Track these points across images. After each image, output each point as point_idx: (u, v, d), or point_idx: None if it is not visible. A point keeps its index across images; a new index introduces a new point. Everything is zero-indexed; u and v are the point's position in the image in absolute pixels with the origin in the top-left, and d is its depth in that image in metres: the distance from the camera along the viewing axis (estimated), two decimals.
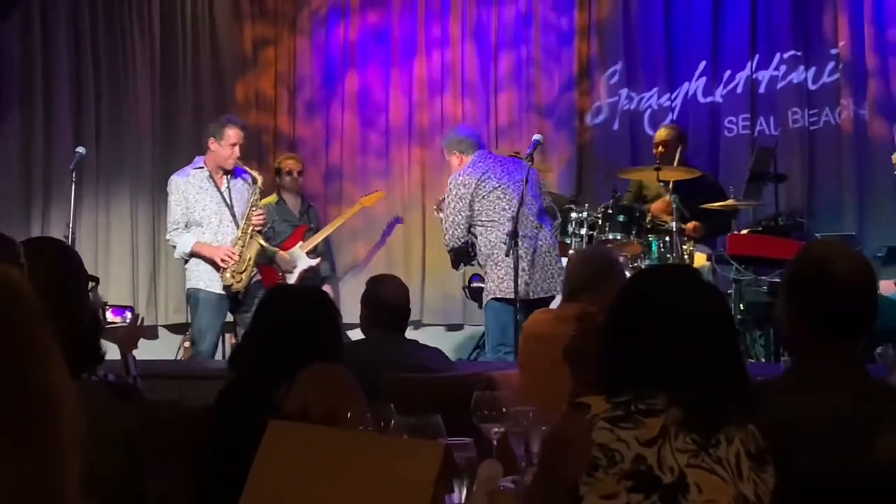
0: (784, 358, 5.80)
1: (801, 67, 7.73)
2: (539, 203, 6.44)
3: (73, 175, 6.63)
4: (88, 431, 1.13)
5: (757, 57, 7.85)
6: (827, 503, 2.12)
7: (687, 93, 8.00)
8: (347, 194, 8.36)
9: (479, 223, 6.31)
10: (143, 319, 6.30)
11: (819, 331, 2.35)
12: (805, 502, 2.10)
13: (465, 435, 2.38)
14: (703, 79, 7.96)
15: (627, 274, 4.56)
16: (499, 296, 6.19)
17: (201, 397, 3.11)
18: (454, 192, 6.35)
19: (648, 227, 6.63)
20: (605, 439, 1.96)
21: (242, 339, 3.39)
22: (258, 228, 6.53)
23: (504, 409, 2.52)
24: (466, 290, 7.52)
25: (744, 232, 6.87)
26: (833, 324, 2.34)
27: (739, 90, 7.88)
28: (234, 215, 6.51)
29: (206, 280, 6.42)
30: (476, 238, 6.36)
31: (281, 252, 7.09)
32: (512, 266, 6.02)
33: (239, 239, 6.44)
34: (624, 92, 8.12)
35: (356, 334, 5.43)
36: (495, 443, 2.50)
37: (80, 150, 6.82)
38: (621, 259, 5.82)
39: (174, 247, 6.54)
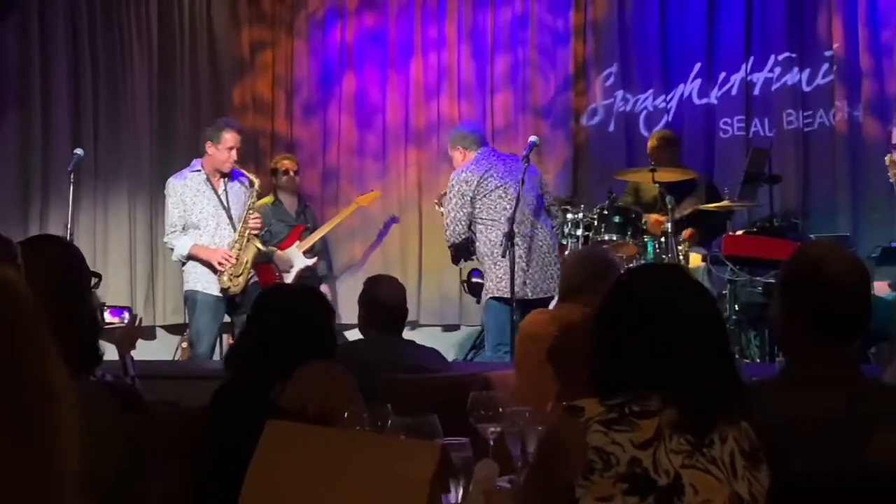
0: (779, 358, 5.81)
1: (796, 69, 7.74)
2: (539, 203, 6.45)
3: (72, 176, 6.64)
4: (87, 432, 1.14)
5: (751, 59, 7.86)
6: (822, 503, 2.13)
7: (682, 94, 8.02)
8: (344, 195, 8.37)
9: (480, 221, 6.33)
10: (140, 320, 6.28)
11: (814, 331, 2.35)
12: (800, 503, 2.11)
13: (462, 435, 2.39)
14: (698, 80, 7.97)
15: None
16: (497, 295, 6.21)
17: (199, 398, 3.11)
18: (456, 189, 6.37)
19: (644, 228, 6.65)
20: (599, 442, 1.96)
21: (238, 339, 3.39)
22: (255, 232, 6.54)
23: (500, 409, 2.53)
24: (465, 285, 7.51)
25: (739, 233, 6.88)
26: (827, 324, 2.35)
27: (734, 92, 7.89)
28: (231, 218, 6.52)
29: (203, 282, 6.43)
30: (476, 236, 6.38)
31: (278, 252, 7.10)
32: (509, 265, 6.05)
33: (236, 242, 6.45)
34: (619, 94, 8.14)
35: (353, 334, 5.43)
36: (492, 443, 2.51)
37: (79, 151, 6.83)
38: (617, 260, 5.83)
39: (172, 249, 6.56)
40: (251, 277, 6.52)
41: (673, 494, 1.95)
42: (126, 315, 6.80)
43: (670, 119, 7.98)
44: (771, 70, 7.79)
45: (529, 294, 6.24)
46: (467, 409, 2.54)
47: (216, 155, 6.49)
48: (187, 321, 7.09)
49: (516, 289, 6.14)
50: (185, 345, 7.50)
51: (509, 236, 6.03)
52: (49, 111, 8.10)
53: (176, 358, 7.70)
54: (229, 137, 6.50)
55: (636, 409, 1.99)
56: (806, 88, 7.75)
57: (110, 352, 3.29)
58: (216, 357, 6.52)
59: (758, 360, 6.47)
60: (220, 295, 6.43)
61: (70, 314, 2.31)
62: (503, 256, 6.08)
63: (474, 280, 7.17)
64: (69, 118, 8.12)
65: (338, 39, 8.63)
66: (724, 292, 6.68)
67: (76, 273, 2.45)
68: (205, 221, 6.48)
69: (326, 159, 8.57)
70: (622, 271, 3.44)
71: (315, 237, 7.36)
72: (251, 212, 6.52)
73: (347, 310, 7.44)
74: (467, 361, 7.22)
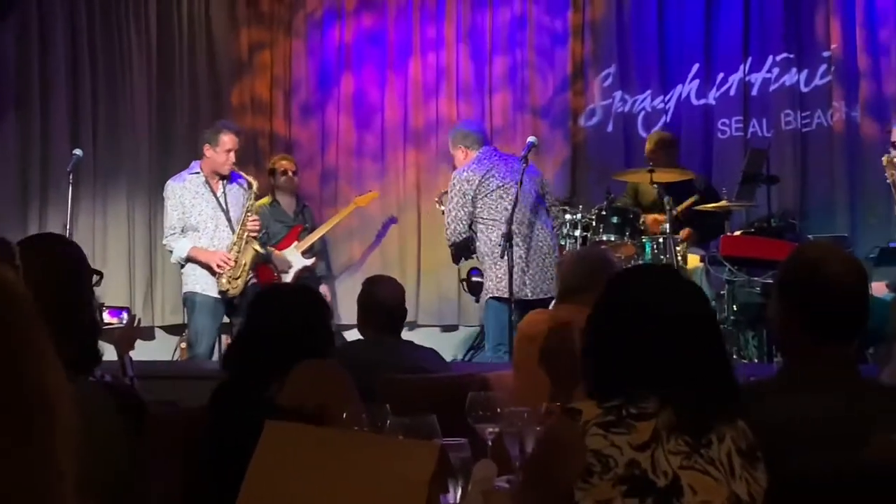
0: (777, 359, 5.82)
1: (794, 70, 7.75)
2: (540, 203, 6.46)
3: (70, 177, 6.65)
4: (86, 432, 1.14)
5: (749, 59, 7.87)
6: (820, 503, 2.14)
7: (680, 95, 8.02)
8: (343, 196, 8.37)
9: (481, 220, 6.33)
10: (139, 321, 6.28)
11: (811, 332, 2.35)
12: (798, 502, 2.11)
13: (460, 435, 2.39)
14: (697, 81, 7.98)
15: None
16: (497, 295, 6.22)
17: (198, 398, 3.12)
18: (458, 188, 6.38)
19: (642, 228, 6.65)
20: (598, 445, 1.96)
21: (234, 339, 3.39)
22: (253, 234, 6.54)
23: (499, 410, 2.53)
24: (464, 284, 7.51)
25: (737, 233, 6.89)
26: (825, 325, 2.35)
27: (732, 92, 7.90)
28: (229, 220, 6.52)
29: (202, 284, 6.44)
30: (476, 235, 6.39)
31: (276, 252, 7.10)
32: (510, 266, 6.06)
33: (234, 244, 6.46)
34: (618, 94, 8.14)
35: (352, 334, 5.44)
36: (490, 443, 2.51)
37: (77, 152, 6.84)
38: (615, 260, 5.83)
39: (171, 252, 6.57)
40: (250, 279, 6.52)
41: (672, 495, 1.95)
42: (125, 315, 6.81)
43: (668, 120, 7.99)
44: (769, 71, 7.80)
45: (529, 294, 6.24)
46: (466, 409, 2.54)
47: (214, 157, 6.50)
48: (186, 322, 7.09)
49: (516, 289, 6.15)
50: (183, 345, 7.51)
51: (507, 237, 6.04)
52: (48, 112, 8.11)
53: (174, 358, 7.70)
54: (227, 140, 6.50)
55: (633, 412, 1.99)
56: (804, 89, 7.76)
57: (109, 352, 3.30)
58: (215, 358, 6.53)
59: (756, 361, 6.47)
60: (218, 296, 6.44)
61: (71, 313, 2.31)
62: (501, 257, 6.09)
63: (474, 279, 7.17)
64: (68, 119, 8.13)
65: (336, 40, 8.63)
66: (722, 293, 6.69)
67: (77, 271, 2.44)
68: (204, 224, 6.48)
69: (325, 160, 8.57)
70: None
71: (313, 237, 7.36)
72: (249, 214, 6.53)
73: (346, 310, 7.45)
74: (466, 362, 7.23)
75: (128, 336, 4.38)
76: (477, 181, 6.33)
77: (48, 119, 8.09)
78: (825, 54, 7.67)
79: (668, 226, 6.44)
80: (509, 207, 6.16)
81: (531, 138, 6.56)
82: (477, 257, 6.58)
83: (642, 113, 8.11)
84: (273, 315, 3.07)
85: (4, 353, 1.05)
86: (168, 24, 8.43)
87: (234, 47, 8.63)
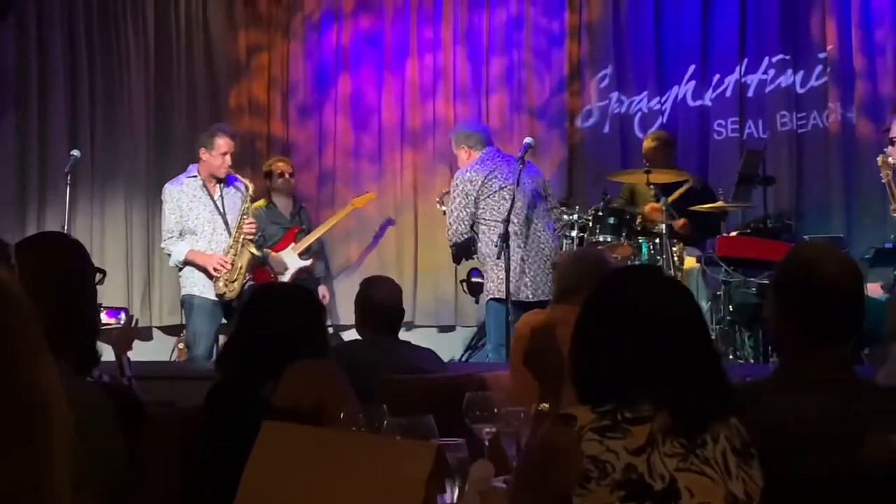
0: (773, 359, 5.83)
1: (790, 71, 7.77)
2: (542, 205, 6.47)
3: (68, 178, 6.66)
4: (84, 433, 1.14)
5: (746, 61, 7.88)
6: (815, 503, 2.14)
7: (676, 96, 8.04)
8: (340, 197, 8.38)
9: (483, 221, 6.34)
10: (137, 321, 6.29)
11: (807, 332, 2.35)
12: (794, 503, 2.11)
13: (457, 435, 2.39)
14: (693, 82, 7.99)
15: None
16: (499, 296, 6.22)
17: (196, 398, 3.11)
18: (460, 188, 6.38)
19: (638, 229, 6.66)
20: (594, 451, 1.96)
21: (228, 340, 3.39)
22: (250, 237, 6.54)
23: (495, 410, 2.53)
24: (464, 285, 7.52)
25: (733, 234, 6.90)
26: (821, 325, 2.34)
27: (728, 94, 7.91)
28: (227, 223, 6.52)
29: (200, 286, 6.44)
30: (478, 236, 6.40)
31: (273, 254, 7.10)
32: (513, 267, 6.07)
33: (231, 248, 6.46)
34: (614, 95, 8.16)
35: (350, 335, 5.44)
36: (487, 443, 2.51)
37: (75, 153, 6.85)
38: (612, 261, 5.84)
39: (169, 255, 6.57)
40: (247, 282, 6.52)
41: (669, 499, 1.95)
42: (122, 316, 6.81)
43: (665, 121, 8.00)
44: (765, 72, 7.82)
45: (530, 296, 6.26)
46: (463, 409, 2.55)
47: (210, 161, 6.51)
48: (184, 323, 7.09)
49: (517, 291, 6.17)
50: (181, 345, 7.51)
51: (504, 237, 6.05)
52: (46, 113, 8.11)
53: (172, 359, 7.71)
54: (222, 143, 6.51)
55: (628, 416, 1.98)
56: (800, 90, 7.77)
57: (107, 353, 3.30)
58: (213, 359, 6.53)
59: (752, 361, 6.48)
60: (216, 299, 6.44)
61: (71, 313, 2.31)
62: (498, 257, 6.10)
63: (474, 280, 7.18)
64: (66, 120, 8.13)
65: (334, 41, 8.64)
66: (718, 293, 6.71)
67: (78, 270, 2.44)
68: (201, 227, 6.49)
69: (322, 161, 8.58)
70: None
71: (310, 239, 7.36)
72: (245, 217, 6.53)
73: (344, 311, 7.46)
74: (463, 362, 7.24)
75: (125, 336, 4.38)
76: (480, 182, 6.34)
77: (46, 120, 8.09)
78: (821, 55, 7.69)
79: (664, 226, 6.45)
80: (514, 209, 6.18)
81: (528, 139, 6.57)
82: (478, 258, 6.58)
83: (639, 114, 8.13)
84: (267, 315, 3.06)
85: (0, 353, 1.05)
86: (166, 25, 8.43)
87: (232, 49, 8.64)
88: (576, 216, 6.67)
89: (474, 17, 8.48)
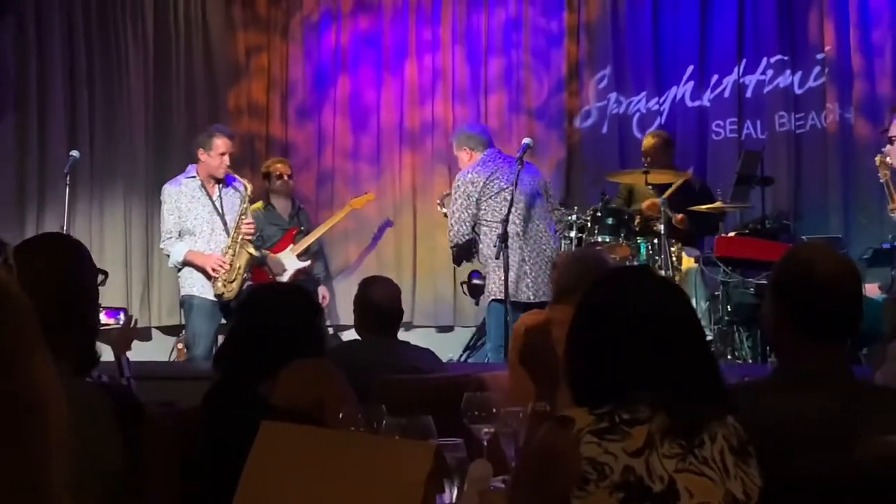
0: (771, 359, 5.83)
1: (788, 72, 7.78)
2: (544, 206, 6.48)
3: (67, 178, 6.66)
4: (83, 433, 1.14)
5: (744, 61, 7.89)
6: (812, 503, 2.15)
7: (675, 97, 8.05)
8: (339, 198, 8.38)
9: (485, 223, 6.35)
10: (136, 321, 6.29)
11: (805, 332, 2.35)
12: (792, 503, 2.11)
13: (456, 435, 2.39)
14: (691, 83, 8.00)
15: None
16: (499, 297, 6.23)
17: (195, 398, 3.12)
18: (462, 190, 6.39)
19: (637, 229, 6.67)
20: (593, 453, 1.95)
21: (225, 340, 3.39)
22: (248, 237, 6.54)
23: (494, 410, 2.54)
24: (465, 287, 7.53)
25: (731, 234, 6.92)
26: (819, 326, 2.35)
27: (727, 94, 7.92)
28: (225, 224, 6.52)
29: (199, 286, 6.44)
30: (479, 238, 6.41)
31: (271, 255, 7.11)
32: (513, 267, 6.08)
33: (229, 248, 6.46)
34: (613, 96, 8.17)
35: (349, 335, 5.45)
36: (485, 443, 2.51)
37: (74, 153, 6.84)
38: (611, 261, 5.85)
39: (168, 256, 6.57)
40: (245, 282, 6.52)
41: (668, 500, 1.94)
42: (121, 316, 6.81)
43: (663, 121, 8.01)
44: (763, 72, 7.83)
45: (532, 297, 6.26)
46: (461, 409, 2.55)
47: (209, 161, 6.51)
48: (183, 324, 7.10)
49: (519, 291, 6.18)
50: (180, 346, 7.51)
51: (503, 237, 6.06)
52: (45, 113, 8.10)
53: (171, 359, 7.71)
54: (220, 143, 6.51)
55: (626, 417, 1.98)
56: (798, 91, 7.78)
57: (106, 353, 3.30)
58: None
59: (750, 361, 6.49)
60: (215, 299, 6.44)
61: (71, 313, 2.31)
62: (496, 258, 6.11)
63: (475, 282, 7.19)
64: (65, 121, 8.12)
65: (332, 42, 8.65)
66: (716, 293, 6.72)
67: (80, 271, 2.44)
68: (200, 227, 6.48)
69: (321, 162, 8.58)
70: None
71: (309, 240, 7.36)
72: (243, 217, 6.53)
73: (343, 311, 7.47)
74: (461, 363, 7.24)
75: (125, 337, 4.39)
76: (481, 183, 6.35)
77: (45, 121, 8.08)
78: (819, 56, 7.70)
79: (663, 226, 6.46)
80: (514, 210, 6.19)
81: (526, 140, 6.57)
82: (479, 259, 6.59)
83: (637, 114, 8.13)
84: (263, 314, 3.06)
85: None
86: (165, 26, 8.43)
87: (231, 50, 8.64)
88: (574, 216, 6.68)
89: (473, 18, 8.49)
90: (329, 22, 8.66)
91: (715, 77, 7.93)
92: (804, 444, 2.19)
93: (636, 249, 6.58)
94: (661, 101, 8.07)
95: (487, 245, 6.36)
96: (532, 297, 6.25)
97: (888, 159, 6.18)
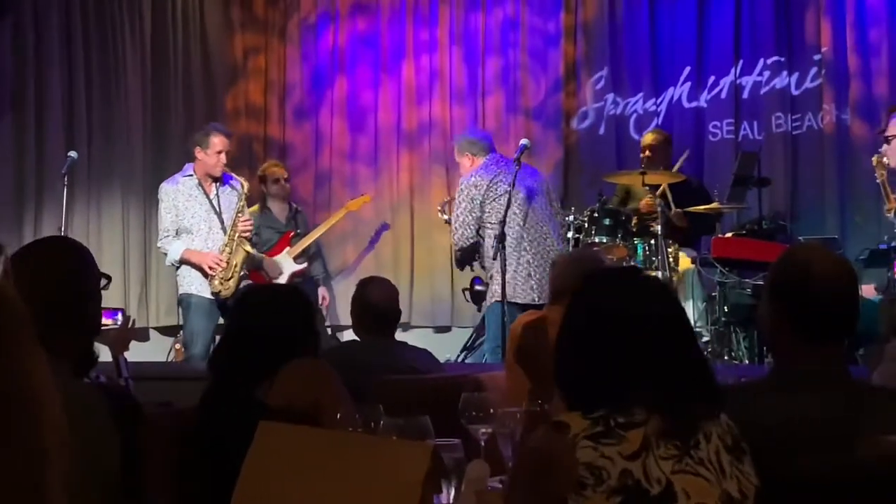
0: (767, 360, 5.84)
1: (785, 73, 7.79)
2: (548, 209, 6.49)
3: (65, 179, 6.67)
4: (80, 434, 1.15)
5: (741, 62, 7.90)
6: (809, 503, 2.15)
7: (672, 98, 8.06)
8: (337, 199, 8.38)
9: (489, 225, 6.36)
10: (134, 321, 6.30)
11: (802, 333, 2.35)
12: (789, 503, 2.12)
13: (454, 436, 2.40)
14: (688, 84, 8.01)
15: None
16: (501, 298, 6.23)
17: (193, 399, 3.12)
18: (465, 193, 6.41)
19: (634, 230, 6.68)
20: (589, 458, 1.94)
21: (220, 340, 3.38)
22: (245, 235, 6.55)
23: (491, 411, 2.54)
24: (467, 293, 7.53)
25: (728, 235, 6.92)
26: (815, 326, 2.34)
27: (724, 95, 7.93)
28: (223, 222, 6.52)
29: (197, 285, 6.44)
30: (483, 240, 6.42)
31: (267, 258, 7.11)
32: (517, 270, 6.09)
33: (226, 246, 6.46)
34: (610, 97, 8.17)
35: (347, 335, 5.45)
36: (483, 443, 2.52)
37: (72, 154, 6.85)
38: (608, 261, 5.85)
39: (165, 254, 6.57)
40: (242, 281, 6.52)
41: (666, 502, 1.94)
42: (119, 317, 6.81)
43: (660, 122, 8.02)
44: (760, 74, 7.84)
45: (536, 299, 6.26)
46: (459, 410, 2.55)
47: (205, 159, 6.50)
48: (181, 323, 7.10)
49: (522, 293, 6.19)
50: (178, 346, 7.51)
51: (500, 238, 6.06)
52: (43, 114, 8.10)
53: (169, 359, 7.71)
54: (217, 141, 6.50)
55: (621, 421, 1.97)
56: (794, 92, 7.79)
57: (104, 353, 3.30)
58: None
59: (746, 362, 6.49)
60: (213, 298, 6.45)
61: (71, 314, 2.31)
62: (494, 258, 6.12)
63: (477, 288, 7.19)
64: (63, 121, 8.13)
65: (330, 43, 8.65)
66: (713, 294, 6.72)
67: (79, 272, 2.44)
68: (197, 226, 6.48)
69: (319, 163, 8.58)
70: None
71: (305, 242, 7.36)
72: (240, 215, 6.53)
73: (342, 312, 7.47)
74: (459, 363, 7.25)
75: (122, 337, 4.39)
76: (485, 186, 6.36)
77: (43, 121, 8.09)
78: (816, 57, 7.71)
79: (660, 227, 6.46)
80: (518, 213, 6.21)
81: (524, 140, 6.57)
82: (483, 262, 6.59)
83: (634, 115, 8.14)
84: (258, 315, 3.06)
85: None
86: (163, 27, 8.44)
87: (229, 51, 8.65)
88: (571, 217, 6.68)
89: (470, 19, 8.50)
90: (326, 23, 8.67)
91: (712, 78, 7.94)
92: (801, 444, 2.19)
93: (633, 250, 6.59)
94: (658, 102, 8.08)
95: (490, 247, 6.37)
96: (537, 299, 6.25)
97: (885, 160, 6.18)
